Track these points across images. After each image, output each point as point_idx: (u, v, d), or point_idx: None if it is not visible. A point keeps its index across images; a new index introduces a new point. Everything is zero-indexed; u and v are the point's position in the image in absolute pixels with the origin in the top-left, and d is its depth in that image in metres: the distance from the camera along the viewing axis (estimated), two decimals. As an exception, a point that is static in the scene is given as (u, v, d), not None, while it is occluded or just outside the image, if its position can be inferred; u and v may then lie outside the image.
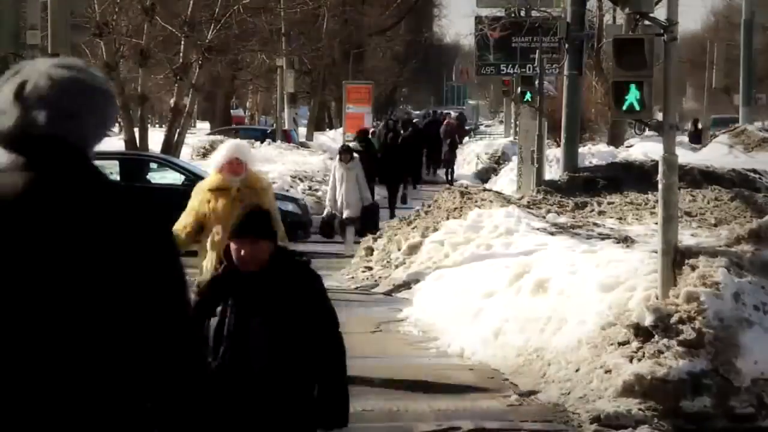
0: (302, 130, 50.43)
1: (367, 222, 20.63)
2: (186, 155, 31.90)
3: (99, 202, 2.86)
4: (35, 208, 2.80)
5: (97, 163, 2.95)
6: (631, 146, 38.74)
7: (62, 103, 2.87)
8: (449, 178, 37.94)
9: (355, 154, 21.28)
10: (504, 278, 13.89)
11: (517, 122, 35.58)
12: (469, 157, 44.24)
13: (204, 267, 8.95)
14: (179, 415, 2.90)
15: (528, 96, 26.88)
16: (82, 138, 2.90)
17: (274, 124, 45.05)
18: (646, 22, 11.51)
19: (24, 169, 2.83)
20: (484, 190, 21.75)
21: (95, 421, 2.81)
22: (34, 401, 2.76)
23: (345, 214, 20.37)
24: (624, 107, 11.38)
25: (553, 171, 27.37)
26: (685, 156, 26.34)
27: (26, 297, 2.77)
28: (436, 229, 17.62)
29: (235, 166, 9.25)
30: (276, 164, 33.61)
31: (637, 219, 17.86)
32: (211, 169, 9.68)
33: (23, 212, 2.79)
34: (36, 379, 2.75)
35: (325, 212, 21.15)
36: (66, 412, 2.78)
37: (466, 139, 52.89)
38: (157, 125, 55.10)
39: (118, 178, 22.44)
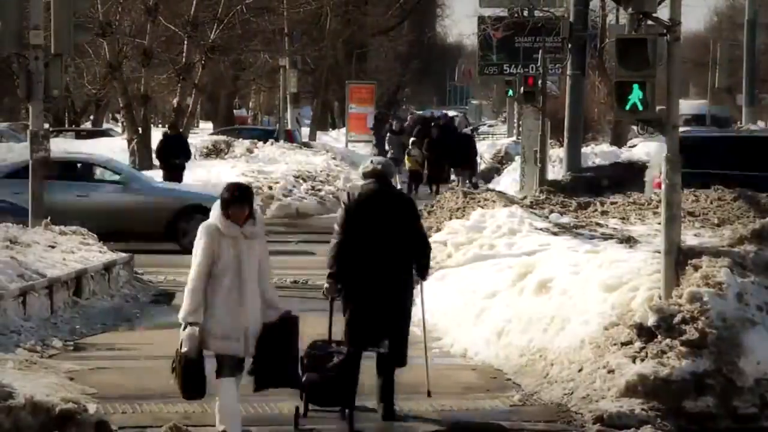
0: (305, 130, 50.43)
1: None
2: (189, 155, 31.83)
3: (395, 195, 10.47)
4: (381, 196, 10.19)
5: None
6: (634, 146, 38.70)
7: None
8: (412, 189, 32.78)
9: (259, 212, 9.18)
10: (507, 278, 13.88)
11: (520, 122, 35.56)
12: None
13: None
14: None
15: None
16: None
17: (278, 124, 45.02)
18: (649, 22, 11.50)
19: (375, 184, 10.23)
20: (487, 190, 21.74)
21: (405, 266, 10.17)
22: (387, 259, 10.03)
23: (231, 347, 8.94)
24: (627, 107, 11.37)
25: (556, 171, 27.41)
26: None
27: (382, 226, 10.04)
28: (439, 229, 17.60)
29: None
30: (279, 164, 33.61)
31: (640, 219, 17.84)
32: None
33: (377, 197, 10.16)
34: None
35: (185, 339, 8.75)
36: (398, 262, 10.09)
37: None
38: (159, 125, 55.11)
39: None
